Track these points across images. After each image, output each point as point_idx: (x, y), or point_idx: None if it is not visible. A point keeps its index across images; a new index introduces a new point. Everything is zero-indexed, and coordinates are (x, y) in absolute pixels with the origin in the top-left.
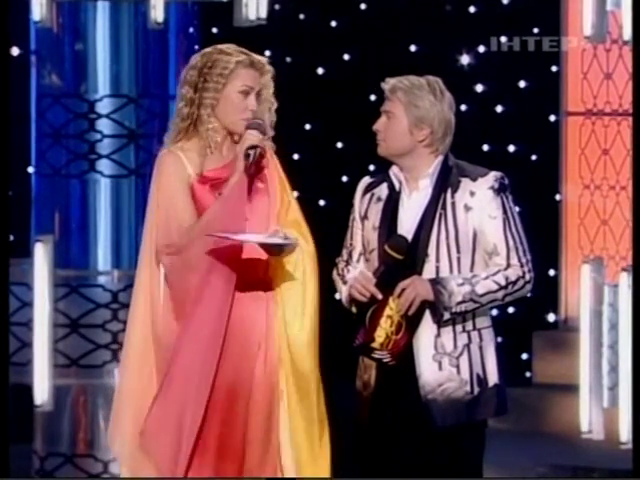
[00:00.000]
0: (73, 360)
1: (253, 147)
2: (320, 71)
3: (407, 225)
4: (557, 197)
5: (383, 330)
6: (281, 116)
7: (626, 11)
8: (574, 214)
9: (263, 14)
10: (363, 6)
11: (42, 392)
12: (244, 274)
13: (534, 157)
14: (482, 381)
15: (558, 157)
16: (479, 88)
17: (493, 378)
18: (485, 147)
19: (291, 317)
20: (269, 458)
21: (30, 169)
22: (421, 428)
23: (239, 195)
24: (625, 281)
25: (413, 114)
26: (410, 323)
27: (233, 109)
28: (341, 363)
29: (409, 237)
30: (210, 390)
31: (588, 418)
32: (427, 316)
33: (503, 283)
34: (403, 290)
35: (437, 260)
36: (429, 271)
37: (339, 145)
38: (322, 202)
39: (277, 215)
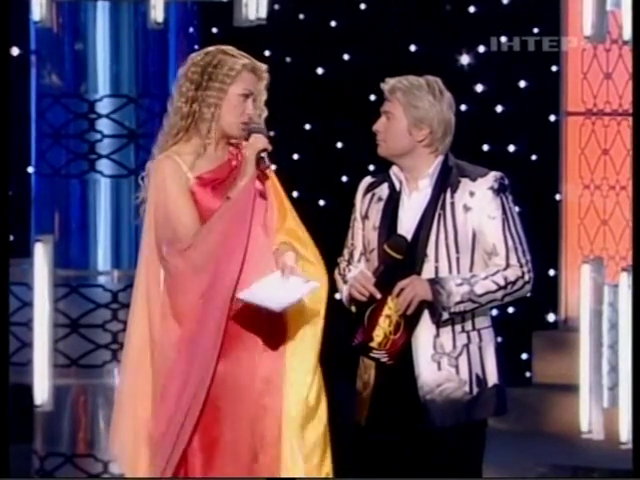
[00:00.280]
0: (73, 360)
1: (264, 150)
2: (320, 71)
3: (407, 225)
4: (557, 197)
5: (381, 330)
6: (281, 116)
7: (626, 11)
8: (574, 214)
9: (263, 14)
10: (363, 6)
11: (42, 392)
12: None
13: (534, 157)
14: (481, 381)
15: (558, 157)
16: (479, 88)
17: (492, 378)
18: (485, 147)
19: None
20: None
21: (30, 169)
22: (420, 428)
23: (247, 199)
24: (625, 281)
25: (412, 114)
26: (408, 323)
27: (232, 111)
28: (341, 363)
29: (408, 237)
30: (208, 390)
31: (588, 418)
32: (426, 316)
33: (502, 283)
34: (402, 290)
35: (436, 260)
36: (428, 271)
37: (339, 145)
38: (322, 202)
39: (276, 220)
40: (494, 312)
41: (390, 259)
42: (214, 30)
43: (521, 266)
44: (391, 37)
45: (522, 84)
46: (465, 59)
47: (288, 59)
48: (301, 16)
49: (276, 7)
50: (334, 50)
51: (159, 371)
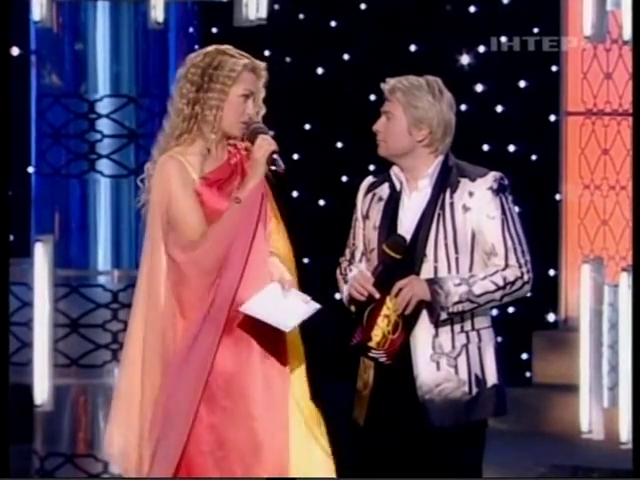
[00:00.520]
0: (73, 360)
1: (275, 152)
2: (320, 71)
3: (407, 225)
4: (557, 197)
5: (380, 329)
6: (281, 116)
7: (626, 11)
8: (574, 214)
9: (263, 14)
10: (363, 6)
11: (42, 392)
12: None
13: (534, 157)
14: (480, 381)
15: (558, 157)
16: (479, 88)
17: (492, 378)
18: (485, 147)
19: None
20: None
21: (30, 169)
22: (419, 428)
23: (256, 201)
24: (625, 281)
25: (412, 114)
26: (407, 323)
27: (234, 112)
28: (341, 363)
29: (408, 237)
30: (211, 389)
31: (588, 418)
32: (425, 316)
33: (501, 283)
34: (400, 290)
35: (435, 260)
36: (427, 271)
37: (339, 145)
38: (322, 202)
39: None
40: (494, 312)
41: (389, 259)
42: (214, 30)
43: (520, 266)
44: (391, 37)
45: (522, 84)
46: (465, 59)
47: (288, 59)
48: (301, 16)
49: (276, 7)
50: (334, 50)
51: (159, 368)
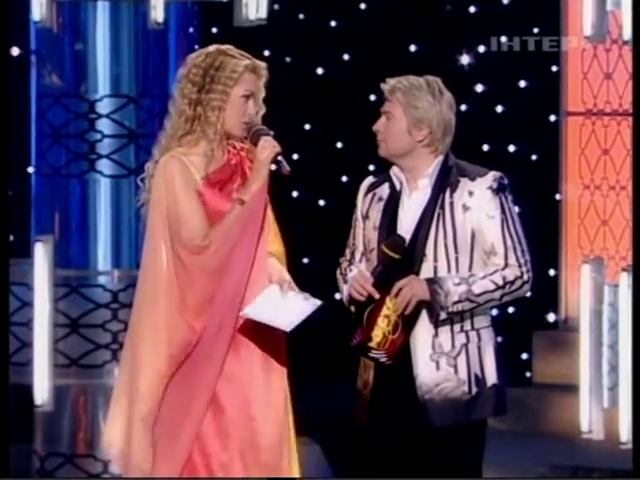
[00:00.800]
0: (73, 360)
1: (280, 154)
2: (320, 71)
3: (406, 225)
4: (557, 197)
5: (380, 329)
6: (281, 116)
7: (626, 11)
8: (574, 214)
9: (263, 14)
10: (363, 6)
11: (42, 392)
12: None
13: (534, 157)
14: (480, 381)
15: (558, 157)
16: (479, 88)
17: (492, 378)
18: (485, 147)
19: None
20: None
21: (30, 169)
22: (419, 428)
23: (260, 202)
24: (625, 281)
25: (412, 115)
26: (407, 323)
27: (236, 113)
28: (341, 363)
29: (408, 237)
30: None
31: (588, 418)
32: (424, 316)
33: (500, 283)
34: (400, 290)
35: (435, 260)
36: (427, 271)
37: (339, 145)
38: (322, 202)
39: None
40: (494, 312)
41: (388, 259)
42: (214, 30)
43: (520, 266)
44: (391, 37)
45: (522, 84)
46: (465, 59)
47: (288, 59)
48: (301, 16)
49: (276, 7)
50: (334, 50)
51: (161, 368)
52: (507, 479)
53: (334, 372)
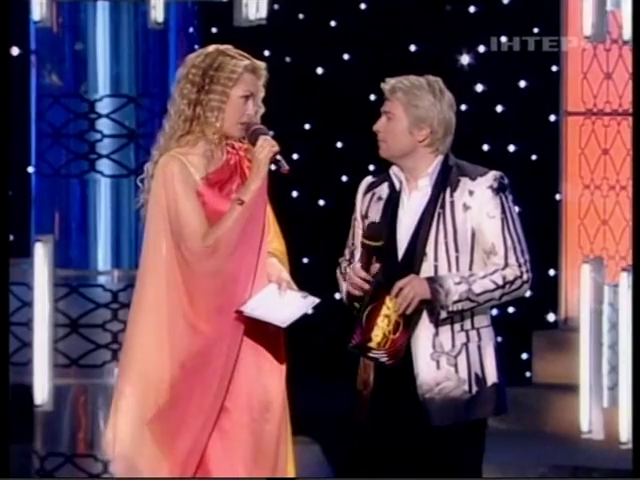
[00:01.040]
0: (73, 360)
1: (278, 153)
2: (320, 71)
3: (407, 224)
4: (557, 197)
5: (380, 330)
6: (281, 116)
7: (626, 11)
8: (574, 214)
9: (263, 14)
10: (363, 6)
11: (42, 392)
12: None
13: (534, 157)
14: (480, 380)
15: (558, 157)
16: (479, 88)
17: (492, 377)
18: (485, 147)
19: None
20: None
21: (30, 169)
22: (419, 427)
23: (260, 202)
24: (625, 281)
25: (413, 114)
26: (408, 322)
27: (235, 113)
28: (341, 363)
29: (408, 236)
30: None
31: (588, 418)
32: (425, 315)
33: (500, 282)
34: (401, 289)
35: (435, 259)
36: (427, 270)
37: (339, 145)
38: (322, 202)
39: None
40: (494, 312)
41: (373, 249)
42: (214, 30)
43: (520, 266)
44: (391, 37)
45: (522, 84)
46: (465, 59)
47: (288, 59)
48: (301, 16)
49: (276, 7)
50: (334, 50)
51: (161, 369)
52: (507, 479)
53: (334, 372)
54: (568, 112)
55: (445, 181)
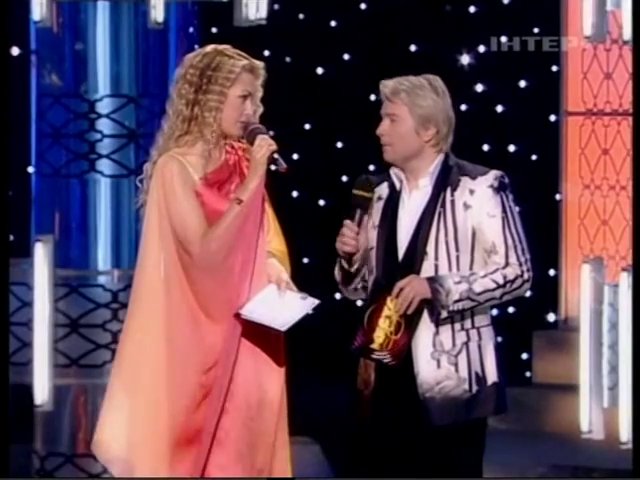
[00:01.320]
0: (73, 360)
1: (276, 152)
2: (320, 71)
3: (407, 224)
4: (557, 197)
5: (382, 331)
6: (281, 116)
7: (626, 11)
8: (574, 214)
9: (263, 14)
10: (363, 6)
11: (42, 392)
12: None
13: (534, 157)
14: (481, 379)
15: (558, 157)
16: (479, 88)
17: (492, 377)
18: (485, 147)
19: None
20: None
21: (30, 169)
22: (420, 426)
23: (258, 201)
24: (625, 281)
25: (418, 114)
26: (409, 323)
27: (233, 113)
28: (341, 363)
29: (409, 235)
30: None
31: (588, 418)
32: (425, 314)
33: (501, 282)
34: (401, 290)
35: (436, 258)
36: (428, 269)
37: (339, 145)
38: (322, 202)
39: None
40: (494, 311)
41: (364, 201)
42: (214, 30)
43: (520, 265)
44: (391, 37)
45: (522, 84)
46: (465, 59)
47: (288, 59)
48: (301, 16)
49: (276, 7)
50: (334, 50)
51: (161, 369)
52: (507, 479)
53: (334, 372)
54: (568, 112)
55: (446, 180)
